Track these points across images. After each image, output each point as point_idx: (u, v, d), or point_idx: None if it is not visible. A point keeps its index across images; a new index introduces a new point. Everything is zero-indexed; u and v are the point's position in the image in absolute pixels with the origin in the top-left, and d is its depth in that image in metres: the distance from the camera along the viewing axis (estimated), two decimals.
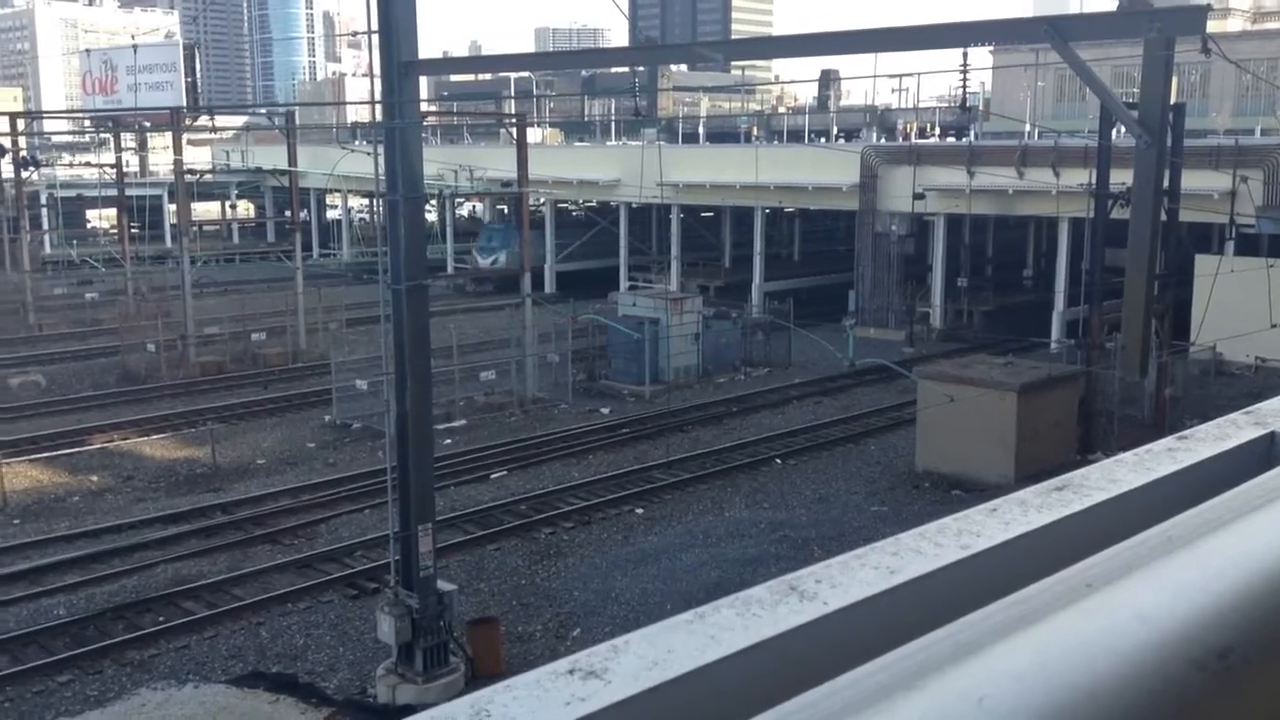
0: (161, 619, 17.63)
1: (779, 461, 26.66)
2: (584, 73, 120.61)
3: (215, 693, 15.36)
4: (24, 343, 41.54)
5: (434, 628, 15.05)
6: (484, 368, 32.12)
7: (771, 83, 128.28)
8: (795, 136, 74.39)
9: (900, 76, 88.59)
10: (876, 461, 26.86)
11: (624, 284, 49.70)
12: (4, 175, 51.18)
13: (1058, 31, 10.70)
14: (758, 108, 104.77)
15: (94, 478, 25.59)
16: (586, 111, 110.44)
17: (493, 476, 25.44)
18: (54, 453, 26.55)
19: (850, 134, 71.99)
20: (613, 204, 52.60)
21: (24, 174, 51.62)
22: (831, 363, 36.93)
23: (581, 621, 17.70)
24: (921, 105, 78.82)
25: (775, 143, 67.17)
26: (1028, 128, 53.20)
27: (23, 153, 52.91)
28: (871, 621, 1.11)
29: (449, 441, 27.63)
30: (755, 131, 76.74)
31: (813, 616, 1.09)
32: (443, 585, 15.46)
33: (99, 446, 27.40)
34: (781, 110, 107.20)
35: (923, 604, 1.14)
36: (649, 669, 0.99)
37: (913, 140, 59.37)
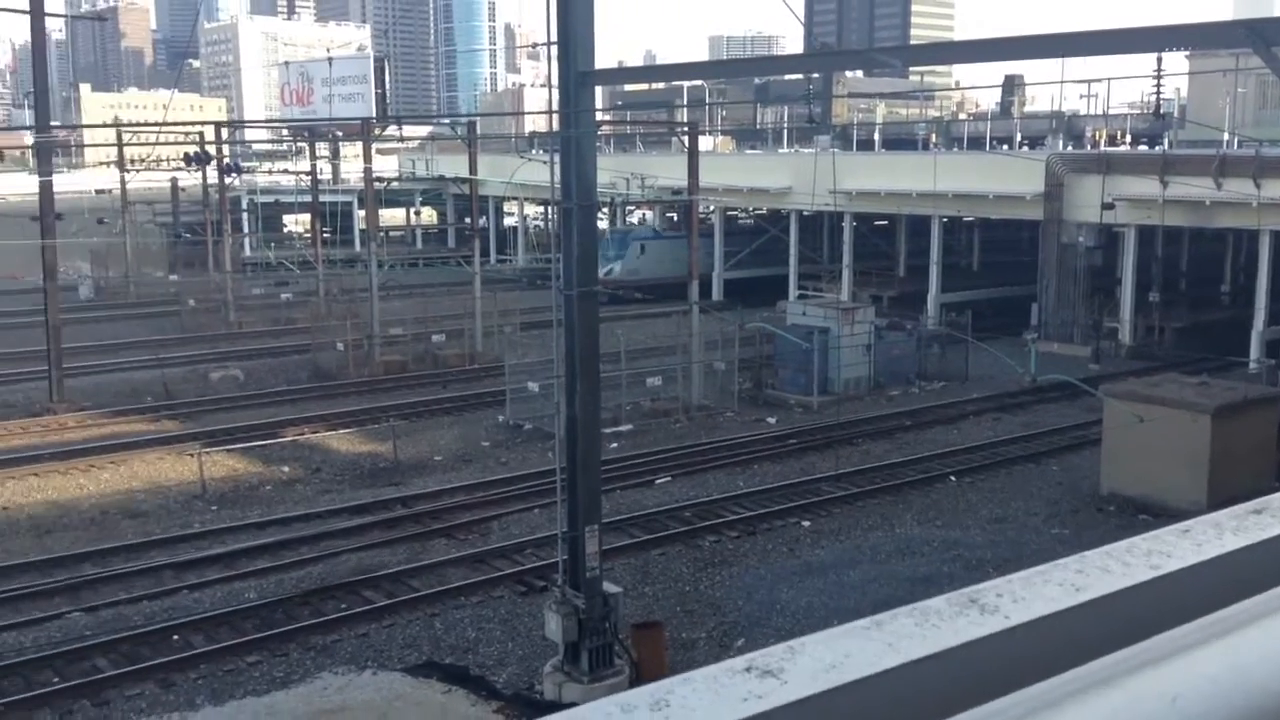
0: (344, 606, 18.45)
1: (953, 479, 25.96)
2: (757, 80, 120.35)
3: (392, 680, 15.97)
4: (224, 339, 44.18)
5: (599, 629, 15.27)
6: (651, 373, 32.42)
7: (951, 88, 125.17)
8: (976, 143, 72.37)
9: (1089, 82, 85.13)
10: (1058, 482, 25.86)
11: (793, 292, 49.32)
12: (209, 181, 54.51)
13: (1258, 35, 10.09)
14: (936, 114, 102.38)
15: (285, 469, 27.00)
16: (759, 119, 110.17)
17: (658, 482, 25.63)
18: (249, 444, 28.14)
19: (1034, 141, 69.61)
20: (783, 212, 52.29)
21: (227, 180, 54.96)
22: (1011, 378, 35.76)
23: (745, 632, 17.65)
24: (1111, 112, 75.56)
25: (954, 150, 65.53)
26: (1226, 136, 50.30)
27: (226, 160, 56.39)
28: (1055, 638, 1.10)
29: (615, 445, 27.99)
30: (933, 138, 75.01)
31: (993, 630, 1.08)
32: (609, 587, 15.67)
33: (290, 439, 28.91)
34: (962, 116, 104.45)
35: (1109, 622, 1.12)
36: (825, 671, 1.01)
37: (1102, 148, 56.95)
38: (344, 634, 17.45)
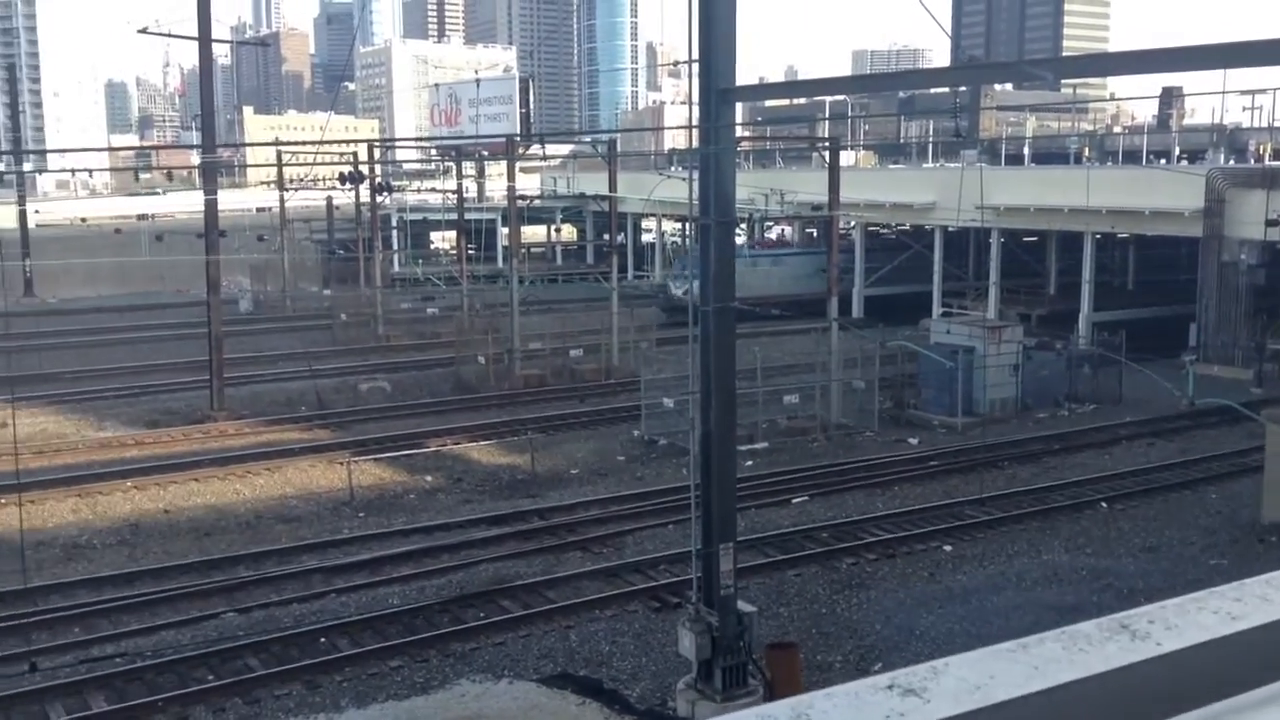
0: (481, 615, 18.80)
1: (1104, 505, 24.97)
2: (901, 94, 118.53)
3: (527, 690, 16.20)
4: (373, 351, 45.69)
5: (733, 647, 15.18)
6: (788, 391, 32.15)
7: (1105, 100, 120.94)
8: (1131, 158, 69.70)
9: (1253, 93, 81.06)
10: (1216, 511, 24.62)
11: (937, 310, 48.29)
12: (362, 200, 56.49)
13: None
14: (1090, 127, 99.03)
15: (428, 478, 27.73)
16: (903, 133, 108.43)
17: (794, 501, 25.37)
18: (395, 453, 29.00)
19: (1194, 155, 66.65)
20: (927, 227, 51.30)
21: (378, 199, 56.91)
22: (1167, 401, 34.25)
23: (883, 656, 17.31)
24: (1278, 124, 71.76)
25: (1109, 164, 63.26)
26: None
27: (378, 179, 58.40)
28: (1210, 667, 1.05)
29: (750, 463, 27.84)
30: (1086, 152, 72.57)
31: (1144, 656, 1.05)
32: (743, 606, 15.57)
33: (434, 449, 29.68)
34: (1116, 130, 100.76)
35: (1267, 652, 1.07)
36: (970, 692, 0.99)
37: (1266, 162, 54.15)
38: (481, 642, 17.76)
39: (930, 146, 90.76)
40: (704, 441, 15.22)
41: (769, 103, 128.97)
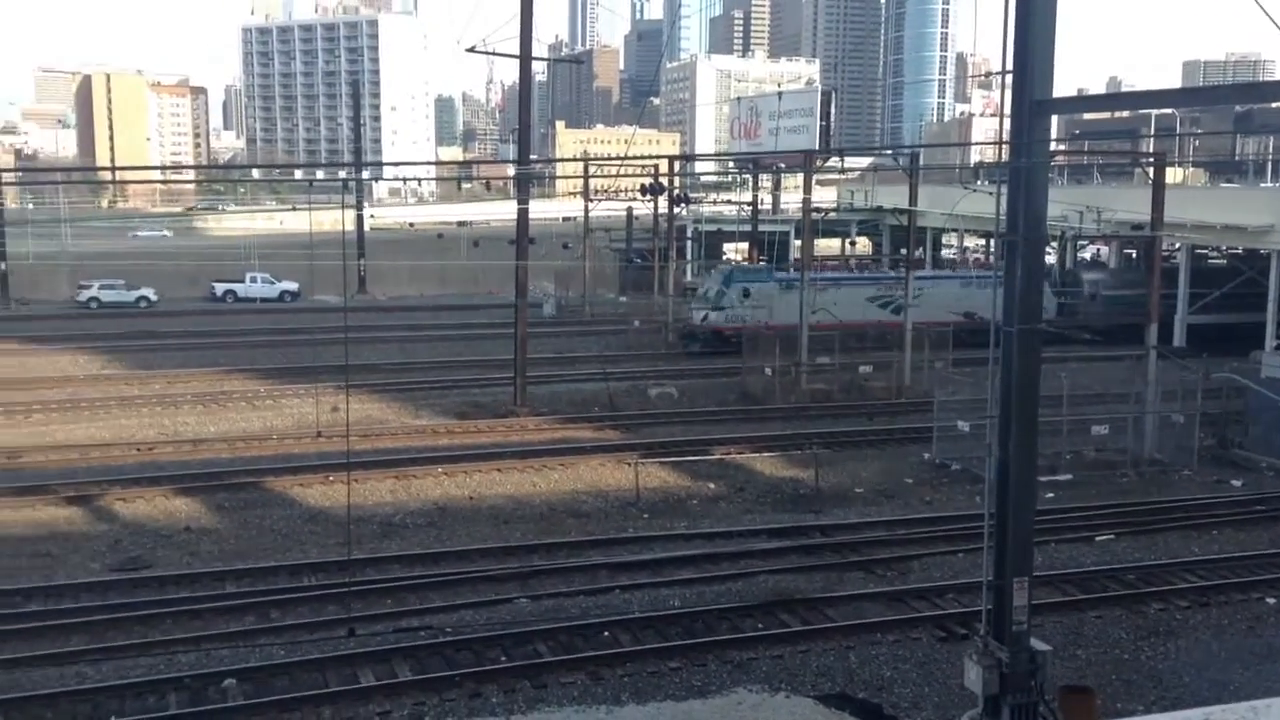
0: (760, 626, 18.80)
1: None
2: (1238, 108, 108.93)
3: (804, 706, 16.05)
4: (663, 358, 46.81)
5: (1024, 686, 14.41)
6: (1096, 421, 30.22)
7: None
8: None
9: None
10: None
11: (1270, 342, 43.97)
12: (660, 210, 58.02)
13: None
14: None
15: (711, 485, 28.06)
16: (1238, 149, 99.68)
17: (1098, 539, 23.82)
18: (680, 458, 29.55)
19: None
20: (1262, 252, 46.85)
21: (675, 210, 58.28)
22: None
23: None
24: None
25: None
26: None
27: (677, 191, 59.83)
28: None
29: (1051, 495, 26.39)
30: None
31: None
32: (1036, 644, 14.76)
33: (718, 457, 30.01)
34: None
35: None
36: None
37: None
38: (759, 653, 17.75)
39: (1269, 164, 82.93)
40: (1001, 469, 14.55)
41: (1088, 116, 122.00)
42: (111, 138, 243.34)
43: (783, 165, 74.83)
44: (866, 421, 35.13)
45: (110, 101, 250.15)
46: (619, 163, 76.17)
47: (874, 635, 18.48)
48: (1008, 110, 14.68)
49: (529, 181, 40.28)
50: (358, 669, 16.89)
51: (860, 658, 17.69)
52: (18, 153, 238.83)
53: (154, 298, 65.44)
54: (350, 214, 70.89)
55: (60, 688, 15.97)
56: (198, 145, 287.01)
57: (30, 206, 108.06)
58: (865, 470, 29.52)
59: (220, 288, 68.88)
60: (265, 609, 19.27)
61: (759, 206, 64.71)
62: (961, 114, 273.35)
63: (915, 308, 40.78)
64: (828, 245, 74.29)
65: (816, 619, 19.13)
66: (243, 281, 69.32)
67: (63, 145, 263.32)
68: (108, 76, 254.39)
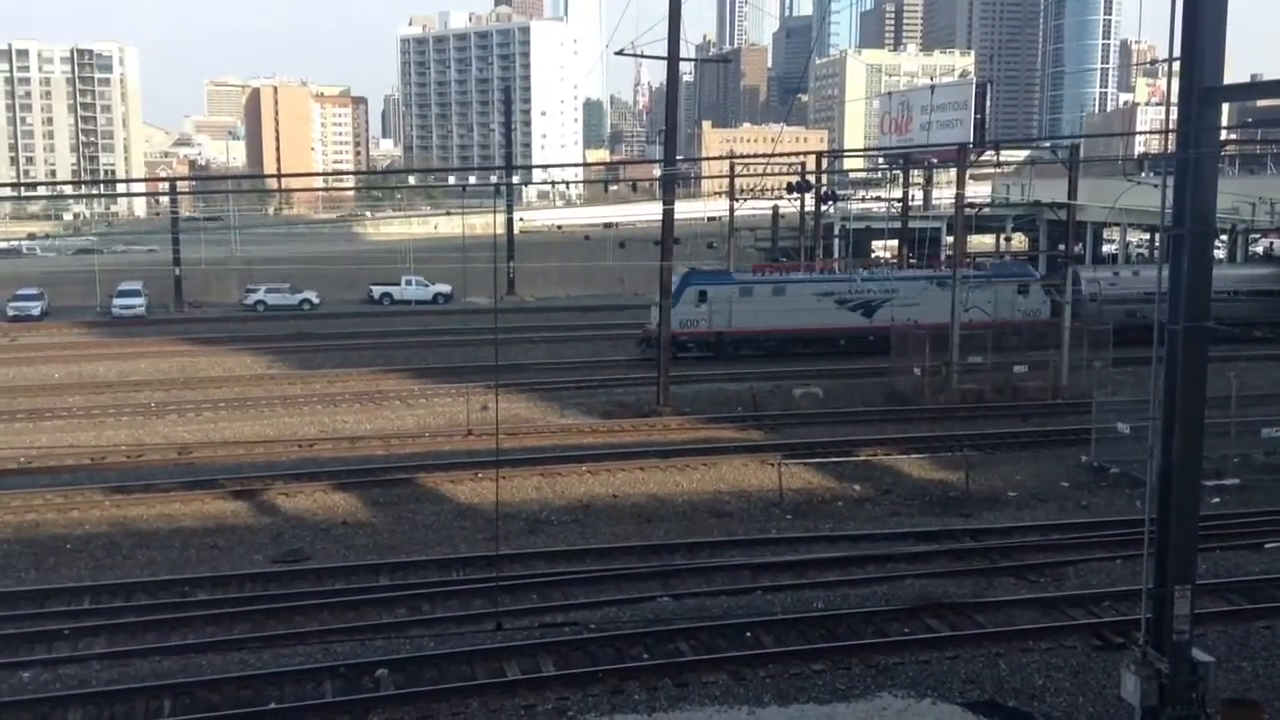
0: (906, 630, 18.42)
1: None
2: None
3: (952, 713, 15.66)
4: (813, 358, 46.26)
5: (1184, 698, 13.74)
6: (1268, 423, 28.61)
7: None
8: None
9: None
10: None
11: None
12: (806, 208, 57.41)
13: None
14: None
15: (856, 486, 27.64)
16: None
17: (1267, 546, 22.54)
18: (824, 459, 29.19)
19: None
20: None
21: (822, 207, 57.61)
22: None
23: None
24: None
25: None
26: None
27: (824, 188, 59.15)
28: None
29: (1217, 500, 25.14)
30: None
31: None
32: (1198, 655, 14.06)
33: (863, 459, 29.54)
34: None
35: None
36: None
37: None
38: (905, 658, 17.40)
39: None
40: (1164, 473, 13.91)
41: (1262, 103, 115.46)
42: (278, 147, 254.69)
43: (934, 160, 73.14)
44: (1020, 423, 34.05)
45: (277, 112, 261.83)
46: (765, 159, 75.76)
47: (1025, 642, 17.90)
48: (1174, 98, 14.00)
49: (674, 182, 40.41)
50: (504, 663, 17.24)
51: (1011, 665, 17.15)
52: (191, 163, 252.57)
53: (316, 300, 68.28)
54: (501, 218, 72.50)
55: (224, 674, 16.79)
56: (358, 153, 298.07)
57: (200, 215, 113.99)
58: (1018, 473, 28.62)
59: (378, 290, 71.39)
60: (416, 602, 19.87)
61: (909, 203, 63.41)
62: (1125, 104, 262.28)
63: (915, 307, 40.86)
64: (980, 241, 72.30)
65: (965, 625, 18.64)
66: (399, 284, 71.66)
67: (233, 156, 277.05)
68: (275, 89, 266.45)
